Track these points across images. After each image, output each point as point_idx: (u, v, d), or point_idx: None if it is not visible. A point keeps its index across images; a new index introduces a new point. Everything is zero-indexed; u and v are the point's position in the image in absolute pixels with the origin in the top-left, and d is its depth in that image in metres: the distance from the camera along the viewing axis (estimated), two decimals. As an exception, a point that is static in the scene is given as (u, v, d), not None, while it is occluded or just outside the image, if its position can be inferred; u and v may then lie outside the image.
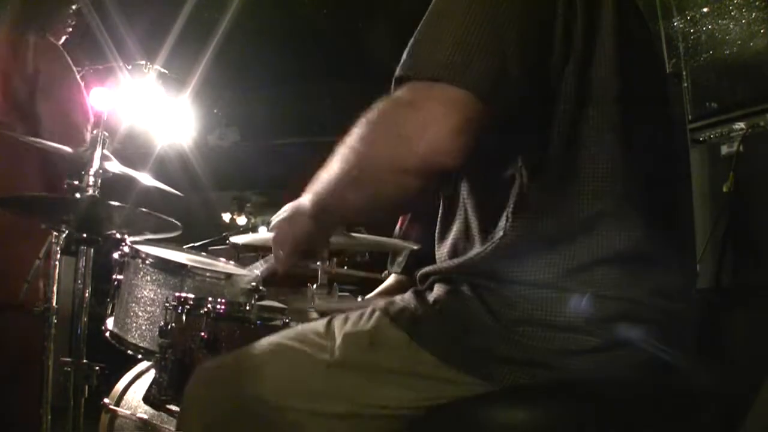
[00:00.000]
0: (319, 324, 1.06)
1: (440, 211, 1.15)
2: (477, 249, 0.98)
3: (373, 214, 1.17)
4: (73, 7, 2.55)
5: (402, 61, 0.91)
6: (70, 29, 2.56)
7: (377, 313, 1.02)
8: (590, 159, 0.93)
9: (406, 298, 1.04)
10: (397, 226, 2.45)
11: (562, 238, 0.93)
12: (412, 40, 0.92)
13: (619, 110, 0.94)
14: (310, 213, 1.04)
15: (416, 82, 0.88)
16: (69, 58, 2.48)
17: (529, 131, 0.93)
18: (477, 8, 0.88)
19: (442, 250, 1.11)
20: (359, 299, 2.59)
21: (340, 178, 0.95)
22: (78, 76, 2.49)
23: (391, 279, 2.59)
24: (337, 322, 1.05)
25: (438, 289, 1.02)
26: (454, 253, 1.06)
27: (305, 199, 1.06)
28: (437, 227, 1.15)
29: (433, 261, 1.12)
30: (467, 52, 0.85)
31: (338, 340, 1.01)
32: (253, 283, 1.63)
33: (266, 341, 1.08)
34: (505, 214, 0.95)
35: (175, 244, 2.16)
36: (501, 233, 0.95)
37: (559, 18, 0.91)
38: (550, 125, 0.93)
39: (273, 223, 1.14)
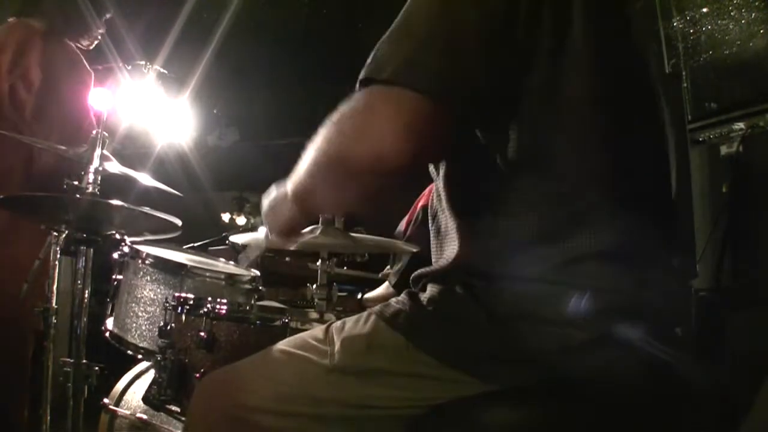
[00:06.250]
0: (318, 330, 1.08)
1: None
2: (464, 245, 0.99)
3: (347, 208, 1.23)
4: (107, 15, 2.63)
5: (366, 63, 0.92)
6: (99, 37, 2.64)
7: (373, 317, 1.03)
8: (575, 153, 0.93)
9: (400, 300, 1.05)
10: (401, 228, 2.44)
11: (552, 232, 0.93)
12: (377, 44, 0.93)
13: (603, 109, 0.94)
14: (291, 199, 1.06)
15: (375, 85, 0.89)
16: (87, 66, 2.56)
17: (505, 128, 0.93)
18: (435, 9, 0.89)
19: (434, 248, 1.11)
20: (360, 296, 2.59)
21: (310, 172, 0.98)
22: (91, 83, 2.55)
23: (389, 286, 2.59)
24: (335, 327, 1.06)
25: (431, 290, 1.03)
26: (441, 249, 1.07)
27: (288, 185, 1.08)
28: (431, 227, 1.15)
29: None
30: (423, 53, 0.87)
31: (337, 345, 1.02)
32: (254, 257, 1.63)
33: (267, 351, 1.09)
34: (490, 209, 0.95)
35: (175, 244, 2.16)
36: (489, 227, 0.95)
37: (521, 17, 0.90)
38: (530, 120, 0.93)
39: (263, 207, 1.17)
